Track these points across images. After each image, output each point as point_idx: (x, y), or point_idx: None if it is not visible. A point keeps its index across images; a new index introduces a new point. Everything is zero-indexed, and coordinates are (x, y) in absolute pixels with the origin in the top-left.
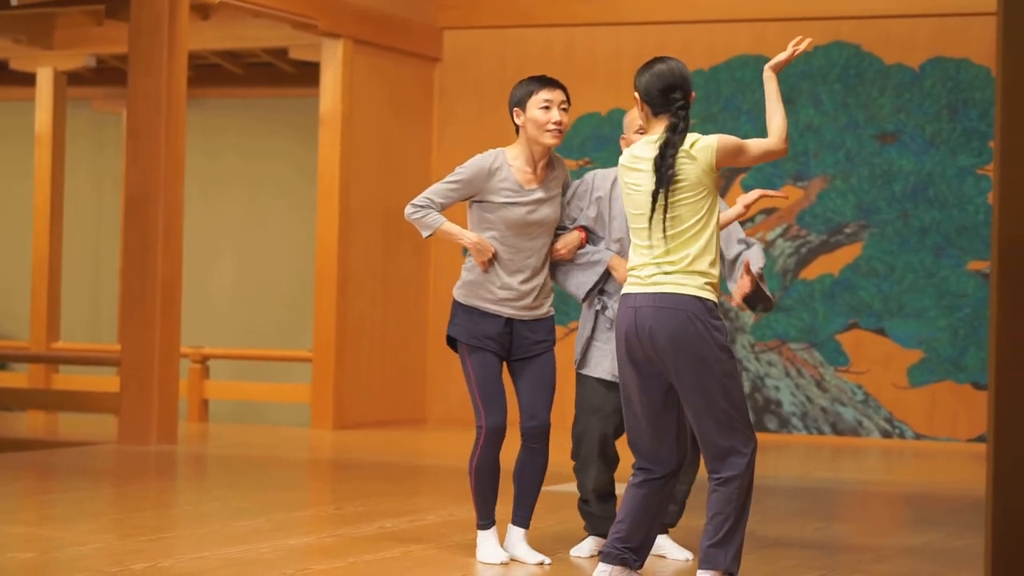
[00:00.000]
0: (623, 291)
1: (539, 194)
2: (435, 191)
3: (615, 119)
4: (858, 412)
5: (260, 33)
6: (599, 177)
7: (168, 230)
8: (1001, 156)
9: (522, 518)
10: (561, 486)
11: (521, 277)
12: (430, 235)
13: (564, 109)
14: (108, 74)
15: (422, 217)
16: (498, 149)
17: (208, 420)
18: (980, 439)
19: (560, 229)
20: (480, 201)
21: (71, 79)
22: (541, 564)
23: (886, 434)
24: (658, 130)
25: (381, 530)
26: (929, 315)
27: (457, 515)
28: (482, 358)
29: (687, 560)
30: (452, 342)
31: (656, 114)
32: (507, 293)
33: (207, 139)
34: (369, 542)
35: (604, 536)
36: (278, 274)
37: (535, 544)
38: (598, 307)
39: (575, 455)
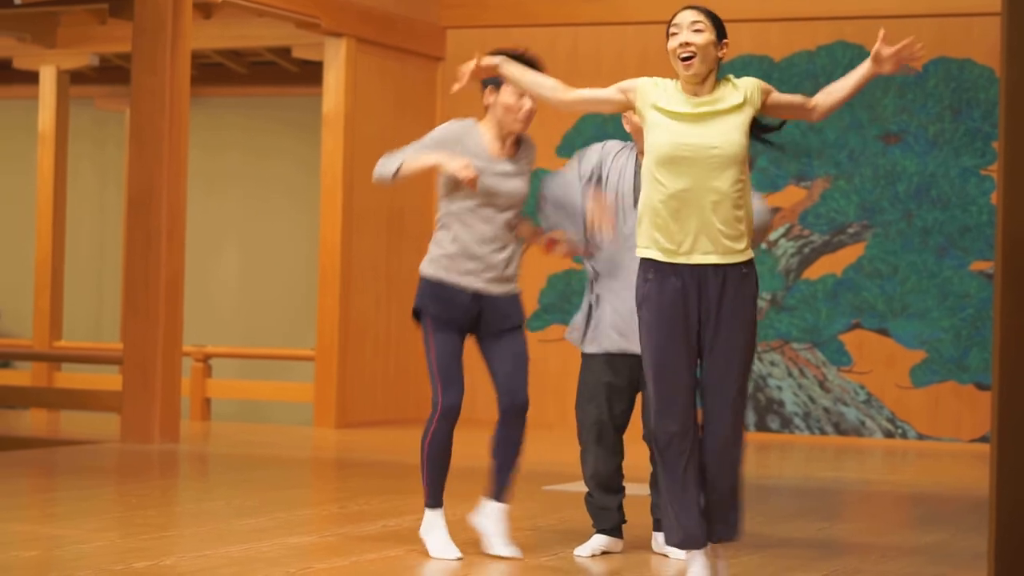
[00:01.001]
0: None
1: (507, 167)
2: (407, 150)
3: (618, 119)
4: (861, 412)
5: (263, 32)
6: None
7: (171, 229)
8: (1005, 157)
9: (499, 492)
10: (565, 485)
11: (492, 247)
12: (398, 175)
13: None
14: (111, 73)
15: (388, 162)
16: (469, 119)
17: (211, 419)
18: (983, 439)
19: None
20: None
21: (74, 78)
22: (512, 557)
23: (889, 434)
24: None
25: (384, 529)
26: (932, 315)
27: (460, 514)
28: (444, 336)
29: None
30: (417, 315)
31: None
32: (476, 264)
33: (210, 138)
34: (372, 541)
35: (608, 532)
36: (281, 273)
37: (539, 544)
38: (599, 292)
39: (579, 440)
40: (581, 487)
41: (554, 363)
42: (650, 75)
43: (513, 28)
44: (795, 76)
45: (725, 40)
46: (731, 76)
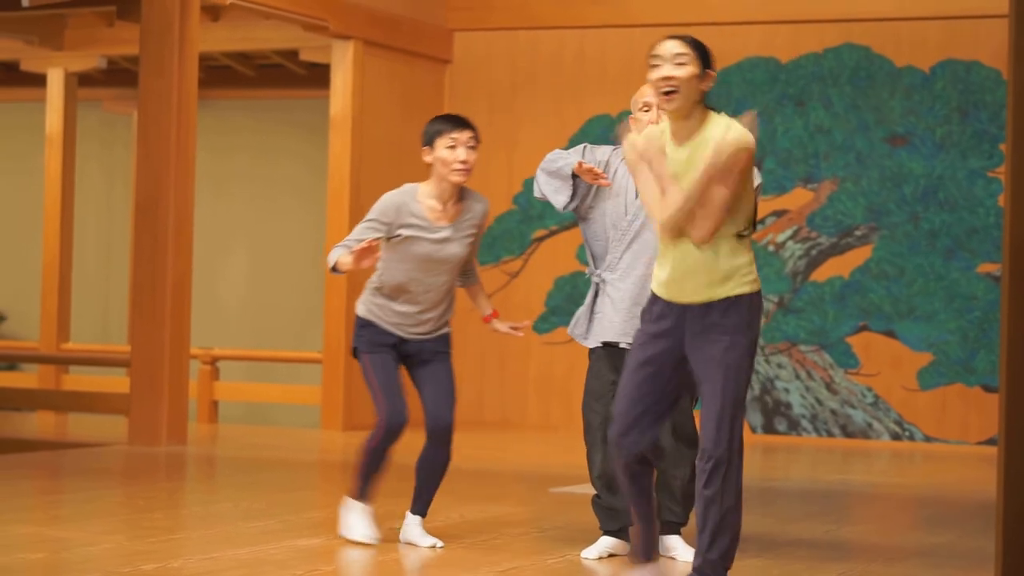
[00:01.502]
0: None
1: (447, 232)
2: (353, 235)
3: (624, 122)
4: (868, 415)
5: (271, 35)
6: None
7: (178, 231)
8: (1012, 159)
9: (420, 508)
10: (571, 487)
11: (419, 307)
12: (336, 271)
13: (471, 148)
14: (119, 75)
15: (331, 255)
16: (411, 185)
17: (218, 421)
18: (990, 442)
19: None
20: (389, 236)
21: (82, 80)
22: (433, 547)
23: (896, 437)
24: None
25: (391, 531)
26: (939, 318)
27: (468, 516)
28: (381, 359)
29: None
30: (356, 353)
31: None
32: (402, 319)
33: (218, 140)
34: (379, 543)
35: (615, 534)
36: (289, 275)
37: (546, 546)
38: (598, 281)
39: (584, 439)
40: (588, 489)
41: (560, 366)
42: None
43: (520, 31)
44: (802, 78)
45: (710, 71)
46: (725, 116)
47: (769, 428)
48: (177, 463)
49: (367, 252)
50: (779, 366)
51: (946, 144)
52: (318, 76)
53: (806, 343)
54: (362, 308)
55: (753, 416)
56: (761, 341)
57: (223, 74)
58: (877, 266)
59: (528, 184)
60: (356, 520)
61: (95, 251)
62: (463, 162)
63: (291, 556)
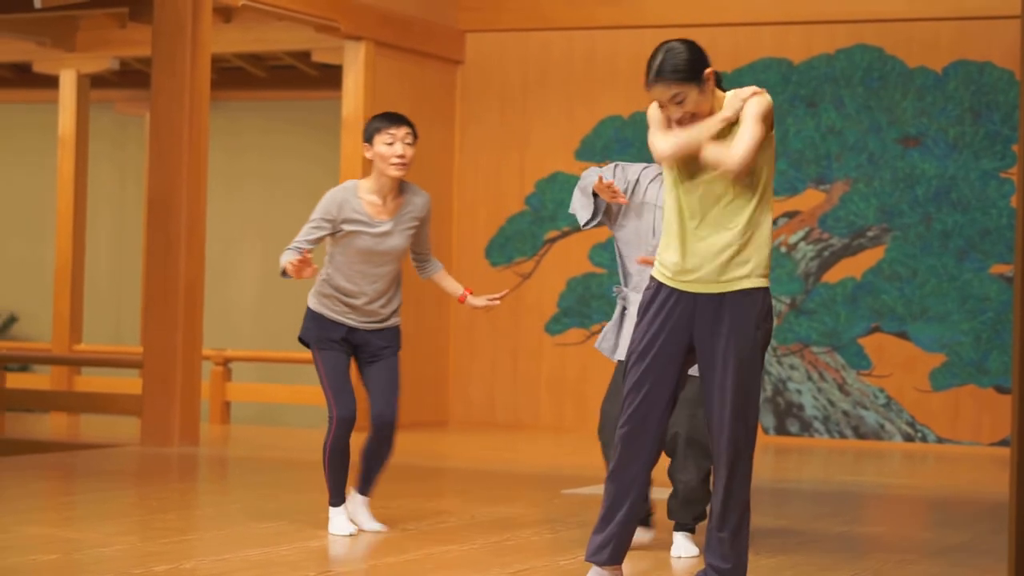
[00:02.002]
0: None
1: (387, 226)
2: (301, 236)
3: (637, 121)
4: (880, 416)
5: (283, 36)
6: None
7: (190, 232)
8: None
9: (364, 488)
10: (583, 488)
11: (364, 299)
12: (286, 275)
13: (408, 143)
14: (131, 77)
15: (282, 258)
16: (352, 181)
17: (230, 422)
18: (1003, 443)
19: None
20: (334, 232)
21: (94, 82)
22: (377, 532)
23: (908, 438)
24: None
25: (403, 532)
26: (952, 319)
27: (479, 517)
28: (330, 356)
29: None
30: (304, 343)
31: None
32: (351, 310)
33: (230, 142)
34: (391, 544)
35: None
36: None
37: (559, 547)
38: (623, 302)
39: (599, 432)
40: (600, 491)
41: (572, 368)
42: None
43: (531, 32)
44: (814, 79)
45: (706, 73)
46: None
47: (781, 429)
48: (189, 464)
49: (302, 265)
50: (791, 367)
51: (958, 145)
52: (330, 77)
53: (818, 344)
54: (313, 300)
55: (765, 417)
56: (773, 342)
57: (235, 75)
58: (889, 267)
59: (540, 185)
60: (337, 523)
61: (107, 253)
62: (400, 156)
63: (303, 557)
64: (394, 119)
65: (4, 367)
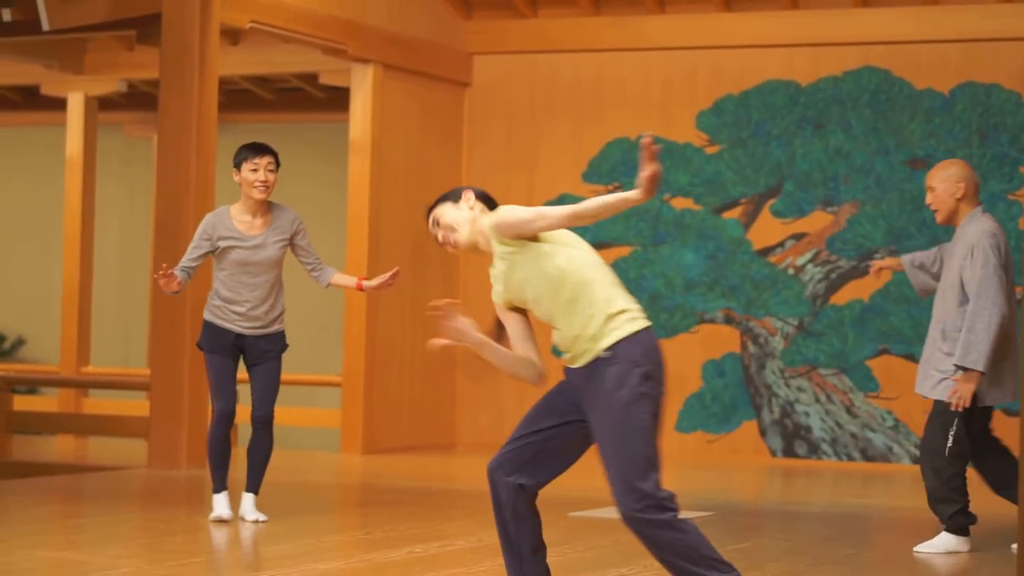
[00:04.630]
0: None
1: (258, 240)
2: (186, 256)
3: None
4: (888, 438)
5: (290, 58)
6: None
7: None
8: None
9: (252, 486)
10: (591, 511)
11: (248, 306)
12: (180, 290)
13: (271, 171)
14: (139, 99)
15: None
16: (225, 206)
17: (237, 444)
18: None
19: None
20: (214, 249)
21: (102, 104)
22: (256, 521)
23: (917, 460)
24: None
25: (410, 555)
26: None
27: (487, 541)
28: (216, 359)
29: None
30: (200, 348)
31: None
32: (237, 316)
33: None
34: (398, 567)
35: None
36: (307, 299)
37: (566, 570)
38: None
39: None
40: (607, 513)
41: None
42: (674, 99)
43: (538, 54)
44: (821, 101)
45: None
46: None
47: (789, 452)
48: (197, 486)
49: (167, 280)
50: (799, 389)
51: None
52: (337, 100)
53: (826, 366)
54: (206, 312)
55: (773, 440)
56: (781, 364)
57: (243, 98)
58: (897, 289)
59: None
60: (219, 508)
61: (115, 275)
62: (263, 182)
63: None
64: (259, 149)
65: (12, 389)
